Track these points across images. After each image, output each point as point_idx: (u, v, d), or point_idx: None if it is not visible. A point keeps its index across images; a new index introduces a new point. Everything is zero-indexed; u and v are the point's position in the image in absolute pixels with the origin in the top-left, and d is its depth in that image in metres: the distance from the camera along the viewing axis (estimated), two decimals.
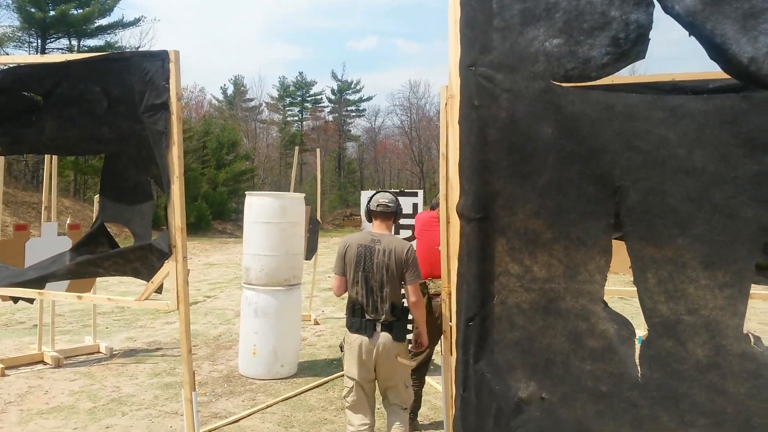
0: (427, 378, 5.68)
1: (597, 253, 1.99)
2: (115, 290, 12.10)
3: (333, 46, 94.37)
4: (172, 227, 3.54)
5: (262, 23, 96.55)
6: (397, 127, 62.75)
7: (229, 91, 59.79)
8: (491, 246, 2.13)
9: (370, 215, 4.42)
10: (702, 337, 1.84)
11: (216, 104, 58.47)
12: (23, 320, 9.70)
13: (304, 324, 9.29)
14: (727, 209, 1.83)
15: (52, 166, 7.42)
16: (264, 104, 60.55)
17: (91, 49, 34.38)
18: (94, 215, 5.62)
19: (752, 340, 1.83)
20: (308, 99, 61.81)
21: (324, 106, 63.43)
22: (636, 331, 2.13)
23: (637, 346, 1.98)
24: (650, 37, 1.91)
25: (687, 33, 1.86)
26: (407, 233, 6.90)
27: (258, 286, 6.95)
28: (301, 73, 66.96)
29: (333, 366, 7.50)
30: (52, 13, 34.08)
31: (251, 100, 59.85)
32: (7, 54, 30.05)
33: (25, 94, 4.00)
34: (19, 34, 34.31)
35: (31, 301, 5.81)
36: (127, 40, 38.28)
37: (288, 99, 61.37)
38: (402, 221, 5.98)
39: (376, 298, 4.13)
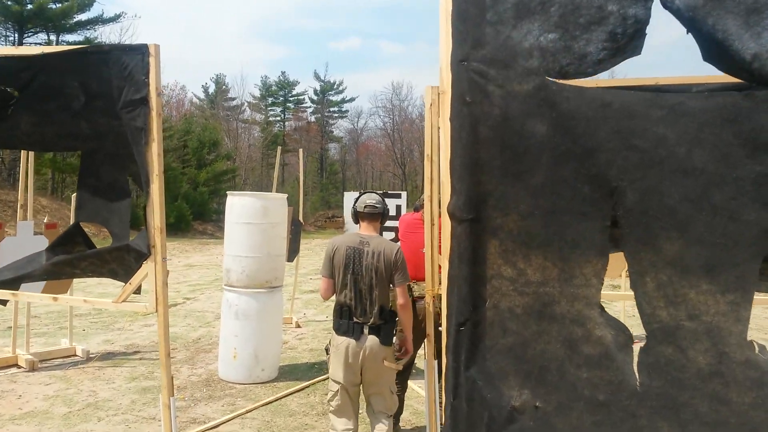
0: (409, 382, 5.61)
1: (593, 255, 1.93)
2: (93, 291, 11.90)
3: (315, 46, 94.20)
4: (151, 227, 3.46)
5: (244, 22, 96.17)
6: (380, 129, 62.74)
7: (211, 90, 59.42)
8: (483, 248, 2.06)
9: (357, 217, 4.35)
10: (704, 344, 1.78)
11: (197, 103, 58.10)
12: None
13: (286, 327, 9.19)
14: (728, 211, 1.78)
15: (28, 163, 7.27)
16: (246, 104, 60.24)
17: (69, 45, 33.85)
18: (72, 214, 5.49)
19: (756, 348, 1.77)
20: (291, 99, 61.57)
21: (306, 107, 63.29)
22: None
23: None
24: (647, 32, 1.86)
25: (683, 32, 1.81)
26: (390, 235, 6.84)
27: (239, 288, 6.85)
28: (283, 73, 66.84)
29: (314, 370, 7.42)
30: (29, 6, 33.54)
31: (233, 99, 59.54)
32: None
33: (0, 87, 3.87)
34: None
35: (4, 302, 5.66)
36: (106, 36, 37.69)
37: (270, 99, 61.07)
38: (385, 223, 5.90)
39: (365, 301, 4.09)
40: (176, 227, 33.58)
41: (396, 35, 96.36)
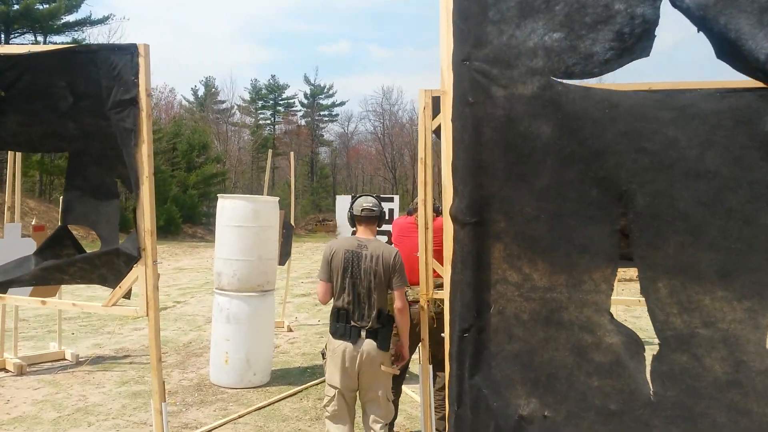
0: (403, 387, 5.56)
1: (602, 260, 1.87)
2: (82, 294, 11.77)
3: (305, 49, 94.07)
4: (141, 230, 3.40)
5: (234, 25, 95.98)
6: (370, 133, 62.74)
7: (200, 93, 59.20)
8: (487, 252, 2.01)
9: (354, 220, 4.31)
10: (720, 353, 1.72)
11: (186, 105, 57.89)
12: None
13: (277, 331, 9.12)
14: (743, 215, 1.73)
15: (16, 165, 7.18)
16: (236, 107, 60.07)
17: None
18: (59, 217, 5.41)
19: None
20: (281, 102, 61.47)
21: (296, 110, 63.20)
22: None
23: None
24: (656, 33, 1.81)
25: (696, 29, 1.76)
26: (383, 239, 6.78)
27: (230, 292, 6.77)
28: (273, 76, 66.46)
29: (307, 374, 7.35)
30: (16, 7, 33.23)
31: (223, 102, 59.37)
32: None
33: None
34: None
35: None
36: (94, 38, 37.35)
37: (260, 102, 60.96)
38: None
39: (363, 304, 4.05)
40: (166, 230, 33.42)
41: (385, 39, 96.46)
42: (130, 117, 3.34)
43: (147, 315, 3.42)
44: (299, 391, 6.61)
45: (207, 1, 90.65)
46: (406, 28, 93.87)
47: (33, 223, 7.98)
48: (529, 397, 1.94)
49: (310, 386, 6.78)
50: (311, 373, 7.36)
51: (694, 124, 1.77)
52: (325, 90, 62.06)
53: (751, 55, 1.67)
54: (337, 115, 63.34)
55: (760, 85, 1.75)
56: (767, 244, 1.71)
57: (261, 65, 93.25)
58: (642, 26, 1.82)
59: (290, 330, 9.89)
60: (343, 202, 9.74)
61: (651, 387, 1.81)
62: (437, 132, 4.38)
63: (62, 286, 6.99)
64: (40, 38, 35.16)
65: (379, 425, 4.12)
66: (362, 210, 4.23)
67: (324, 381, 4.37)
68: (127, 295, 3.64)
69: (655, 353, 1.82)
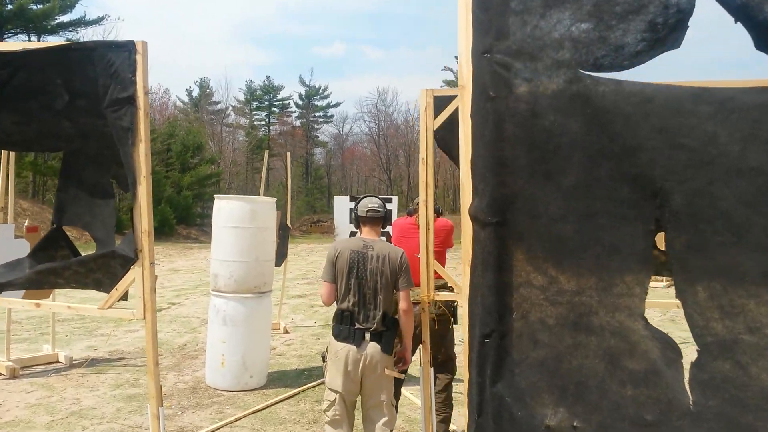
0: (402, 389, 5.48)
1: (635, 262, 1.78)
2: (76, 296, 11.60)
3: (300, 51, 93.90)
4: (138, 230, 3.31)
5: (228, 26, 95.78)
6: (365, 134, 62.59)
7: (195, 93, 58.95)
8: (509, 254, 1.91)
9: (359, 221, 4.25)
10: (767, 361, 1.64)
11: (181, 106, 57.65)
12: None
13: (274, 333, 9.02)
14: None
15: (9, 165, 7.10)
16: (230, 107, 59.87)
17: None
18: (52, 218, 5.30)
19: None
20: (275, 104, 61.28)
21: (291, 111, 63.01)
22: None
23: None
24: (689, 24, 1.72)
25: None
26: (382, 240, 6.70)
27: (227, 294, 6.68)
28: (268, 77, 66.24)
29: (304, 377, 7.26)
30: (9, 6, 32.97)
31: (217, 103, 59.17)
32: None
33: None
34: None
35: None
36: (89, 38, 36.92)
37: (255, 103, 60.77)
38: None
39: (369, 306, 3.99)
40: (160, 231, 33.22)
41: (380, 41, 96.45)
42: (128, 115, 3.26)
43: (144, 318, 3.32)
44: (296, 394, 6.53)
45: (202, 3, 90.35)
46: (402, 28, 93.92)
47: (26, 224, 7.92)
48: (556, 406, 1.84)
49: (308, 389, 6.71)
50: (308, 376, 7.28)
51: (734, 118, 1.68)
52: (320, 91, 61.91)
53: None
54: (332, 116, 63.25)
55: None
56: None
57: (256, 66, 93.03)
58: (676, 16, 1.72)
59: (286, 332, 9.80)
60: (341, 203, 9.67)
61: (690, 396, 1.71)
62: (436, 132, 4.32)
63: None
64: (33, 38, 34.76)
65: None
66: (368, 211, 4.19)
67: (322, 383, 4.29)
68: (124, 297, 3.55)
69: (693, 360, 1.72)
